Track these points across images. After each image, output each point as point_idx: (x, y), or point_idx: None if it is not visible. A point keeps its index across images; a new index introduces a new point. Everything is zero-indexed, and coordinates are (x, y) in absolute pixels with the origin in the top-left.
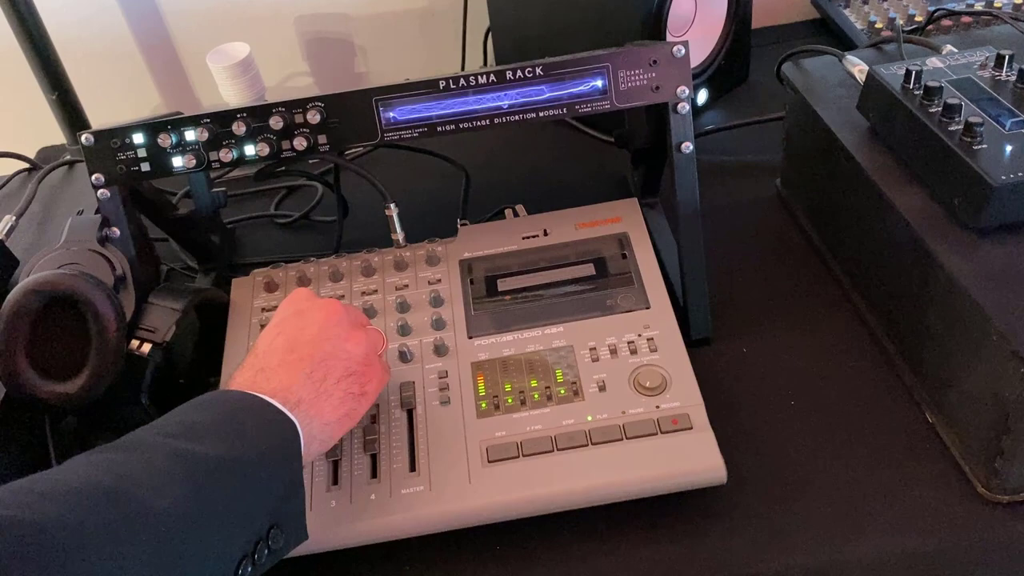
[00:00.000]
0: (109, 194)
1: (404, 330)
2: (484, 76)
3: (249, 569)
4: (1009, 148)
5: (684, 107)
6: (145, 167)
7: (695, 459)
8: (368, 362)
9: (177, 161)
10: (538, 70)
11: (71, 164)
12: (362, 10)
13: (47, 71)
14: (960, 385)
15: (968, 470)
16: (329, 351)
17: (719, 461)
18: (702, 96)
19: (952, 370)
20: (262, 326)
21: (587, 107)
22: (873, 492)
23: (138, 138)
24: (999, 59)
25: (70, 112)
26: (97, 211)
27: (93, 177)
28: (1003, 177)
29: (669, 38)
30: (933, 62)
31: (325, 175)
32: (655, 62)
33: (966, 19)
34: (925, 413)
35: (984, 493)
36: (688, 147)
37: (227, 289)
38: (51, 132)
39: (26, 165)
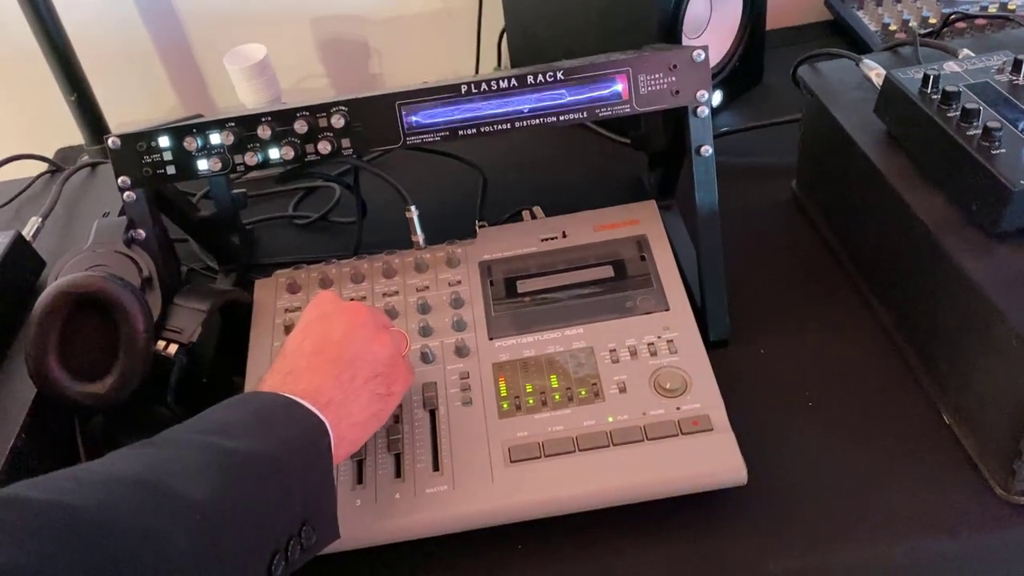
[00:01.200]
0: (135, 196)
1: (425, 331)
2: (505, 80)
3: (283, 565)
4: None
5: (703, 111)
6: (171, 170)
7: (716, 460)
8: (393, 363)
9: (203, 164)
10: (559, 74)
11: (94, 166)
12: (377, 12)
13: (66, 72)
14: (977, 387)
15: (985, 471)
16: (356, 353)
17: (740, 462)
18: (717, 97)
19: (969, 372)
20: (285, 327)
21: (607, 111)
22: (890, 493)
23: (164, 141)
24: (1016, 63)
25: (89, 113)
26: (122, 213)
27: (120, 180)
28: (1022, 182)
29: (685, 40)
30: (950, 66)
31: (343, 176)
32: (675, 66)
33: (980, 22)
34: (942, 414)
35: (1002, 494)
36: (707, 150)
37: (249, 289)
38: (68, 133)
39: (46, 166)
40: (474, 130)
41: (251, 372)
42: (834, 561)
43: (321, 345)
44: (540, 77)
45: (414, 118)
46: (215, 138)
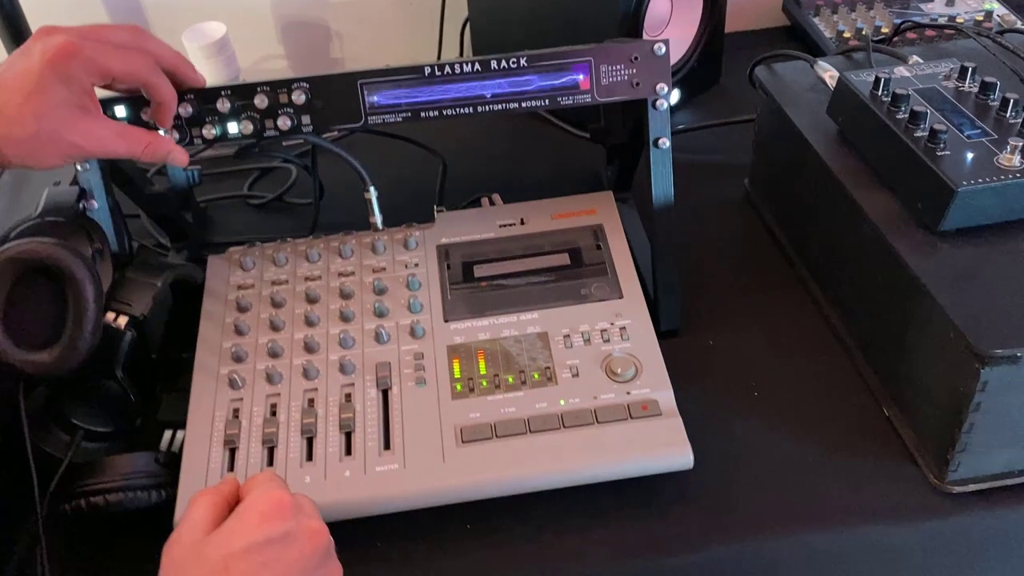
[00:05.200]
0: (89, 167)
1: (380, 312)
2: (469, 64)
3: None
4: (970, 155)
5: (662, 104)
6: None
7: (664, 444)
8: None
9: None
10: (522, 61)
11: None
12: None
13: (19, 45)
14: (916, 380)
15: (922, 462)
16: None
17: (686, 446)
18: (674, 96)
19: (910, 366)
20: (237, 303)
21: (568, 99)
22: (830, 481)
23: (120, 111)
24: (963, 71)
25: None
26: (73, 182)
27: None
28: (964, 183)
29: (645, 37)
30: (900, 71)
31: (301, 157)
32: (636, 58)
33: (930, 32)
34: (882, 406)
35: (936, 484)
36: (665, 143)
37: (201, 267)
38: None
39: None
40: (436, 112)
41: (201, 348)
42: (775, 545)
43: None
44: (504, 63)
45: (376, 98)
46: None
